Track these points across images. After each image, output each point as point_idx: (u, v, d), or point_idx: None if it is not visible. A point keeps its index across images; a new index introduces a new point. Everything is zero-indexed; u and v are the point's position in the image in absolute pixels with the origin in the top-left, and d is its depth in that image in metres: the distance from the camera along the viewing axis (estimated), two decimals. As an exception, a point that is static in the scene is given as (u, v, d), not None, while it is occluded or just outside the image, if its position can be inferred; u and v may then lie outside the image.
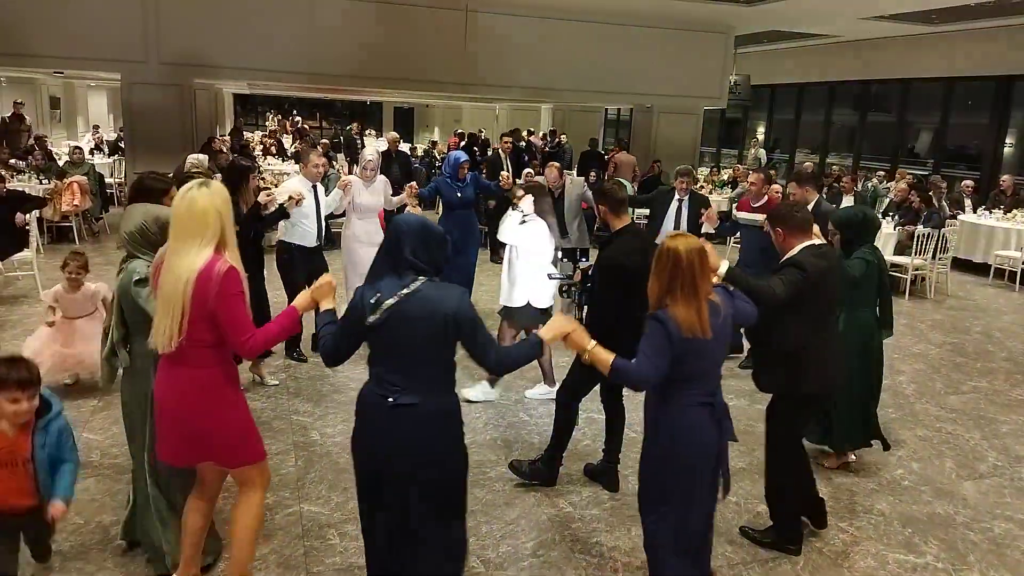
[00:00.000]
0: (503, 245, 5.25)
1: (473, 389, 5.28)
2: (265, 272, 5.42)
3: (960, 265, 10.59)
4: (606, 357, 2.75)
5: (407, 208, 6.86)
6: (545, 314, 4.91)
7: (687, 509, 2.86)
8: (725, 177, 14.11)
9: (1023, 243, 10.05)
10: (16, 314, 6.85)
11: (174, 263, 2.62)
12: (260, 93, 24.18)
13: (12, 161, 11.46)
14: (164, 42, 10.42)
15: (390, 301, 2.52)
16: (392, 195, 6.49)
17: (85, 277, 5.11)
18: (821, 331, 3.54)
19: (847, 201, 10.87)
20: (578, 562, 3.51)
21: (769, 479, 3.69)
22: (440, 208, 7.63)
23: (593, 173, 11.45)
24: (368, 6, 11.11)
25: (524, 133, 17.28)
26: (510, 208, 5.24)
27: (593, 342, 2.76)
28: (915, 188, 10.28)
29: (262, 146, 17.20)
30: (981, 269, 10.58)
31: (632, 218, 4.27)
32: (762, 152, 17.93)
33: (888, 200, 11.29)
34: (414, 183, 6.83)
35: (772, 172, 9.92)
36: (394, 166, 10.45)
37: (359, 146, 18.02)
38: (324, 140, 18.39)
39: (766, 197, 6.22)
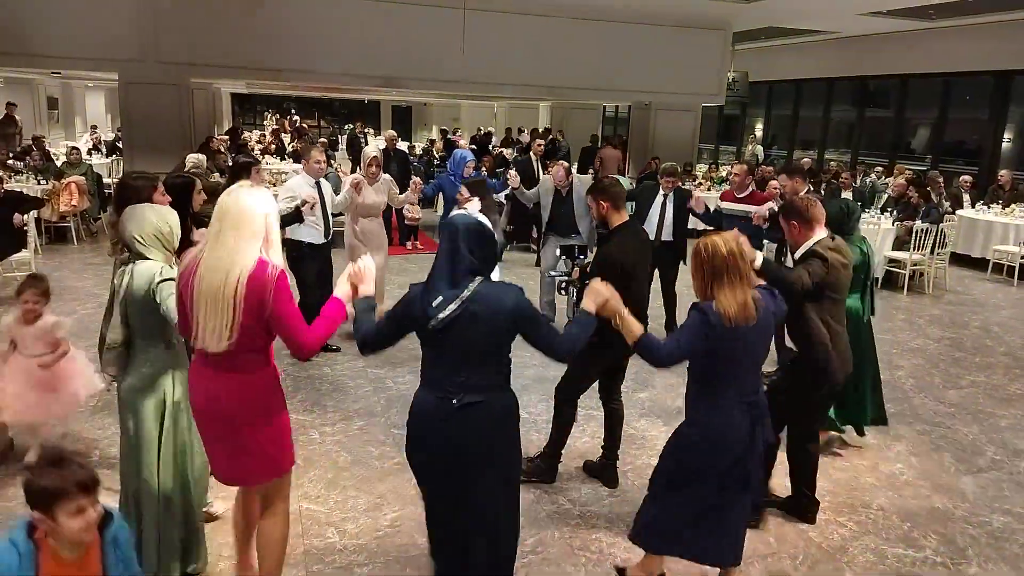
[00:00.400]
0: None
1: None
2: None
3: (958, 260, 10.59)
4: (636, 329, 2.85)
5: (406, 206, 6.85)
6: None
7: (699, 498, 2.96)
8: (723, 173, 14.10)
9: (1021, 238, 10.05)
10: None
11: (217, 258, 2.55)
12: (258, 93, 24.16)
13: (10, 162, 11.46)
14: (162, 42, 10.41)
15: (453, 305, 2.54)
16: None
17: (44, 306, 4.12)
18: (836, 320, 3.70)
19: (846, 197, 10.89)
20: (577, 559, 3.51)
21: (793, 458, 3.88)
22: (440, 207, 7.62)
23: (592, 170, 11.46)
24: (366, 4, 11.10)
25: (515, 131, 17.33)
26: (455, 208, 5.25)
27: (626, 310, 2.85)
28: (913, 183, 10.28)
29: (260, 145, 17.20)
30: (979, 264, 10.58)
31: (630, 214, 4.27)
32: (759, 149, 17.93)
33: (886, 196, 11.29)
34: (418, 179, 6.84)
35: (770, 168, 9.92)
36: (392, 164, 10.44)
37: (363, 144, 18.02)
38: (322, 139, 18.40)
39: (750, 188, 6.43)
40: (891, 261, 9.36)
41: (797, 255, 3.72)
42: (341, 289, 2.78)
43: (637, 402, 5.33)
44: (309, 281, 5.72)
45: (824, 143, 17.29)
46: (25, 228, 7.67)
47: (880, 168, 13.62)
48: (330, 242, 5.92)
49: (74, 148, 11.78)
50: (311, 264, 5.66)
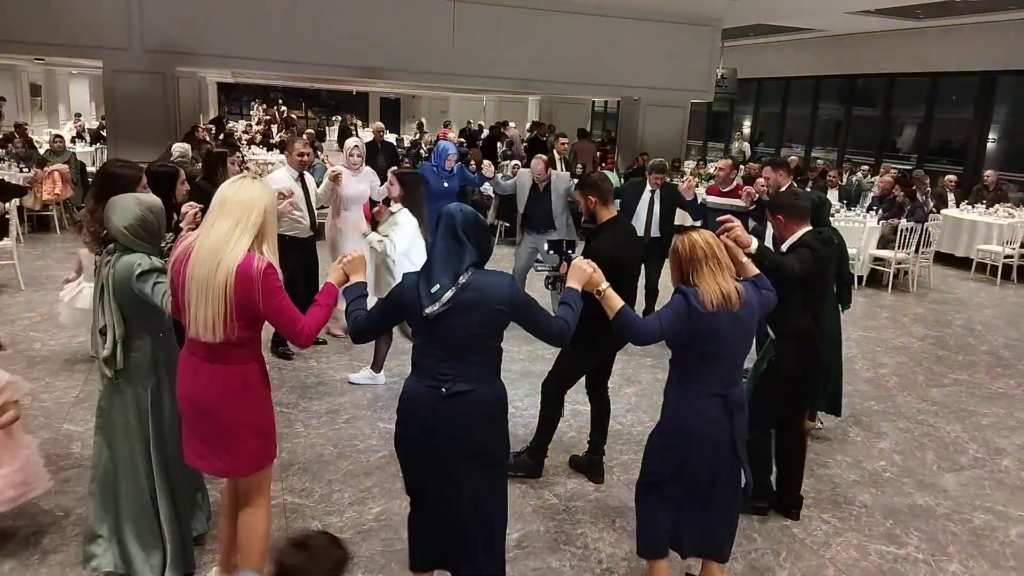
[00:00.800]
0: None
1: (358, 374, 5.33)
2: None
3: (942, 259, 10.68)
4: (616, 303, 2.87)
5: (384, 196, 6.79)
6: None
7: (678, 492, 2.96)
8: (712, 170, 14.12)
9: (1005, 237, 10.14)
10: (-5, 304, 6.77)
11: (209, 245, 2.54)
12: (244, 82, 23.94)
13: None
14: (147, 29, 10.28)
15: (449, 293, 2.54)
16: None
17: None
18: (819, 311, 3.80)
19: (832, 195, 10.95)
20: (563, 553, 3.52)
21: (778, 455, 3.92)
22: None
23: (581, 165, 11.44)
24: (354, -5, 11.02)
25: (502, 126, 17.27)
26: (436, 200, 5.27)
27: (607, 284, 2.88)
28: (899, 182, 10.35)
29: (247, 135, 17.07)
30: (963, 263, 10.68)
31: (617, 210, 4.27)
32: (746, 145, 17.99)
33: (872, 194, 11.36)
34: (395, 168, 6.81)
35: (756, 165, 9.95)
36: (379, 156, 10.40)
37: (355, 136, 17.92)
38: (309, 130, 18.28)
39: (735, 183, 6.49)
40: (876, 259, 9.43)
41: (785, 247, 3.75)
42: (333, 276, 2.79)
43: (624, 397, 5.34)
44: (294, 276, 5.66)
45: (811, 141, 17.37)
46: (7, 216, 7.57)
47: (866, 167, 13.70)
48: (314, 236, 5.85)
49: (57, 136, 11.63)
50: (296, 258, 5.61)
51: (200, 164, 9.69)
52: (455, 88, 17.15)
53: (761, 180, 6.69)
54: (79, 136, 15.44)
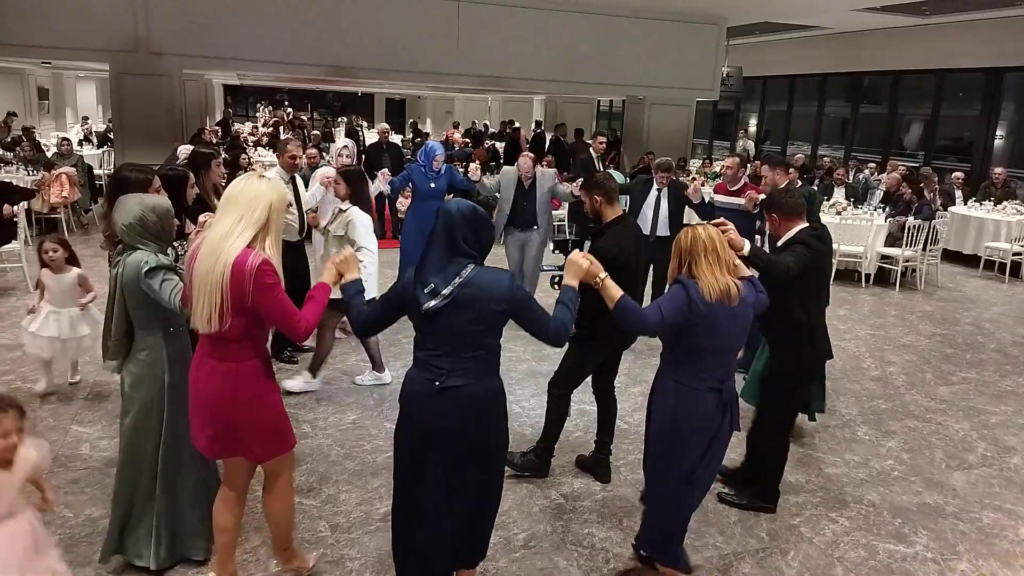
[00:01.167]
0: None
1: (294, 380, 5.20)
2: None
3: (950, 256, 10.63)
4: (616, 292, 2.89)
5: (399, 198, 6.80)
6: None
7: (683, 486, 3.02)
8: (718, 169, 14.09)
9: (1013, 235, 10.09)
10: (4, 306, 6.80)
11: (212, 240, 2.60)
12: (250, 84, 23.99)
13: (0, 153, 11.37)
14: (154, 32, 10.33)
15: (447, 290, 2.56)
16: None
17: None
18: (816, 306, 3.82)
19: (838, 193, 10.92)
20: (569, 553, 3.51)
21: (766, 447, 3.92)
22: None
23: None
24: (359, -4, 11.04)
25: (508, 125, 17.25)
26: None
27: (606, 273, 2.90)
28: (907, 179, 10.31)
29: (253, 137, 17.10)
30: (971, 261, 10.63)
31: (624, 209, 4.27)
32: (750, 144, 17.95)
33: (878, 192, 11.32)
34: (386, 170, 6.80)
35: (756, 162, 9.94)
36: (385, 157, 10.41)
37: (361, 138, 17.92)
38: (315, 132, 18.31)
39: (742, 181, 6.46)
40: (883, 257, 9.39)
41: (780, 244, 3.80)
42: (327, 275, 2.84)
43: (630, 397, 5.33)
44: (283, 278, 5.61)
45: (817, 139, 17.31)
46: (15, 219, 7.61)
47: (873, 164, 13.64)
48: (303, 240, 5.82)
49: (65, 139, 11.68)
50: (285, 260, 5.55)
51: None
52: (460, 88, 17.16)
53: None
54: (86, 139, 15.50)
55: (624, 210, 4.30)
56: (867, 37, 14.65)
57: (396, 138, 16.86)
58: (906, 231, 8.94)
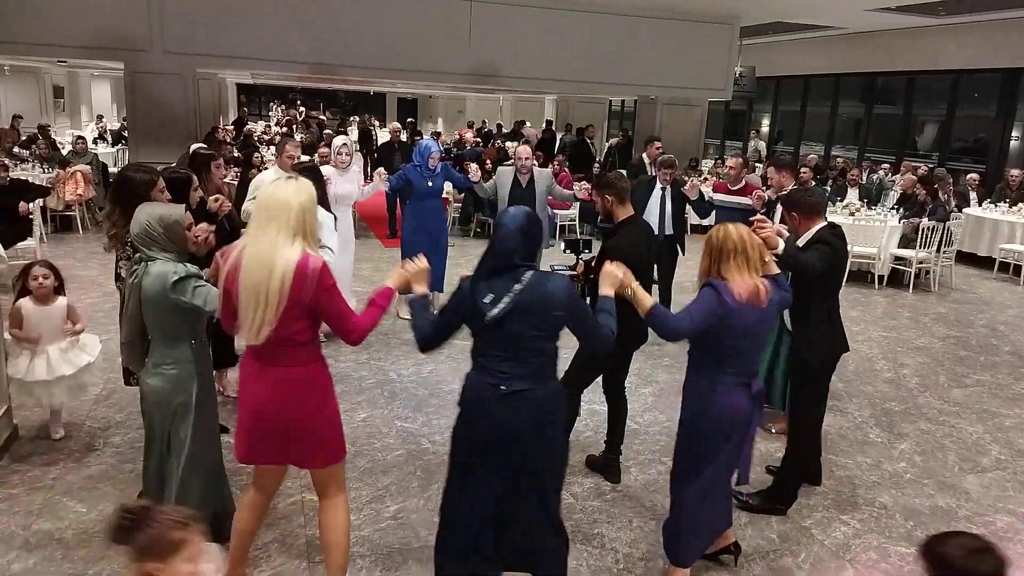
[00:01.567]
0: None
1: None
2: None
3: (964, 258, 10.55)
4: (647, 300, 2.97)
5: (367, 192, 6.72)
6: None
7: (711, 484, 3.09)
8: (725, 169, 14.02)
9: (1028, 237, 10.00)
10: (20, 303, 6.86)
11: (259, 253, 2.56)
12: (263, 83, 24.10)
13: (16, 150, 11.47)
14: (168, 32, 10.39)
15: (507, 298, 2.59)
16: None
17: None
18: (835, 302, 3.90)
19: (852, 194, 10.86)
20: (579, 552, 3.51)
21: (800, 448, 3.94)
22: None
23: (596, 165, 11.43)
24: (372, -4, 11.06)
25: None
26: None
27: (636, 283, 2.98)
28: (922, 181, 10.23)
29: (267, 136, 17.18)
30: (985, 263, 10.54)
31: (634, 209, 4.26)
32: (762, 144, 17.87)
33: (892, 193, 11.25)
34: (381, 169, 6.78)
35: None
36: (396, 156, 10.44)
37: (375, 136, 17.97)
38: (328, 131, 18.37)
39: (743, 181, 6.44)
40: (897, 259, 9.33)
41: (801, 243, 3.84)
42: (393, 280, 2.81)
43: (640, 397, 5.32)
44: None
45: (831, 139, 17.21)
46: (31, 216, 7.68)
47: (887, 165, 13.55)
48: None
49: (80, 137, 11.79)
50: None
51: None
52: (472, 88, 17.17)
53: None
54: (101, 137, 15.63)
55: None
56: (882, 37, 14.55)
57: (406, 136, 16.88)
58: (920, 232, 8.88)
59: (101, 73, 20.73)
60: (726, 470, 3.15)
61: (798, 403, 3.97)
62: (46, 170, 10.41)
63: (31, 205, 7.69)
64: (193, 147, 8.04)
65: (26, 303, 4.13)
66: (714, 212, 6.65)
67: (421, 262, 2.84)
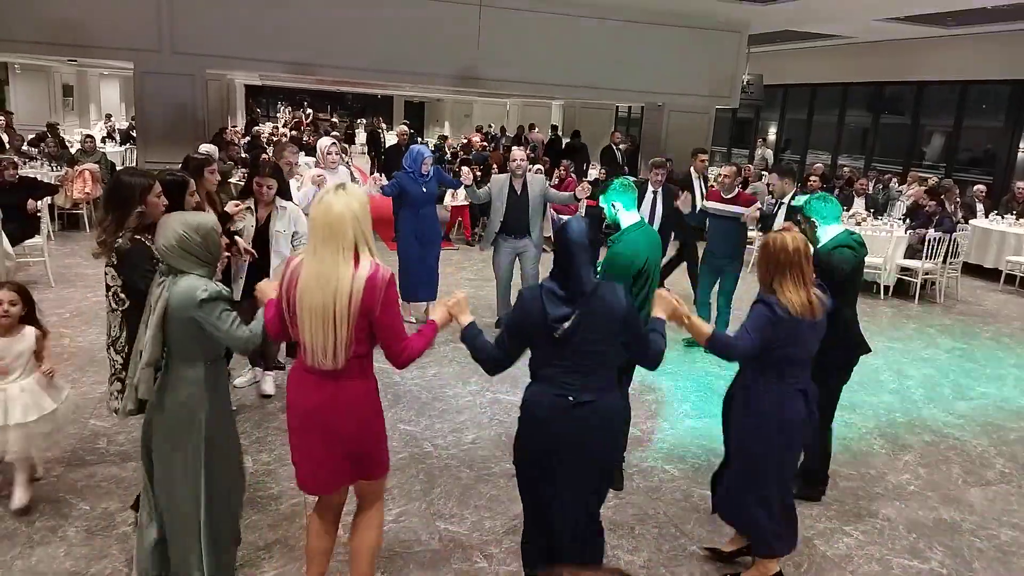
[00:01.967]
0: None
1: (244, 376, 5.24)
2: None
3: (970, 270, 10.52)
4: (706, 329, 3.06)
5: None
6: None
7: (778, 488, 3.22)
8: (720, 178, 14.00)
9: (1035, 249, 9.97)
10: (26, 300, 6.89)
11: (318, 274, 2.50)
12: (271, 85, 24.19)
13: (24, 148, 11.53)
14: (177, 32, 10.44)
15: (576, 312, 2.64)
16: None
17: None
18: (852, 306, 4.04)
19: (858, 204, 10.84)
20: (581, 560, 3.50)
21: (822, 444, 4.08)
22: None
23: (604, 170, 11.43)
24: (381, -1, 11.11)
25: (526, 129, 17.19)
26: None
27: (693, 314, 3.06)
28: (929, 192, 10.21)
29: (275, 138, 17.24)
30: (991, 274, 10.51)
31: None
32: (769, 152, 17.86)
33: (899, 204, 11.22)
34: (377, 174, 6.73)
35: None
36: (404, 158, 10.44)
37: (383, 139, 17.98)
38: (335, 133, 18.43)
39: (737, 190, 6.51)
40: (903, 270, 9.31)
41: (822, 248, 3.96)
42: (437, 314, 2.83)
43: (644, 405, 5.31)
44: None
45: (838, 148, 17.20)
46: (38, 214, 7.72)
47: (889, 175, 13.52)
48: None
49: (88, 136, 11.84)
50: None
51: (230, 164, 9.86)
52: (479, 92, 17.20)
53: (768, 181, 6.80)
54: (109, 136, 15.70)
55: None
56: (889, 47, 14.54)
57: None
58: (926, 243, 8.86)
59: (110, 72, 20.84)
60: (784, 470, 3.26)
61: (826, 400, 4.05)
62: (54, 168, 10.46)
63: (39, 203, 7.72)
64: (201, 149, 8.08)
65: None
66: (708, 220, 6.67)
67: (459, 294, 2.87)
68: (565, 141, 16.15)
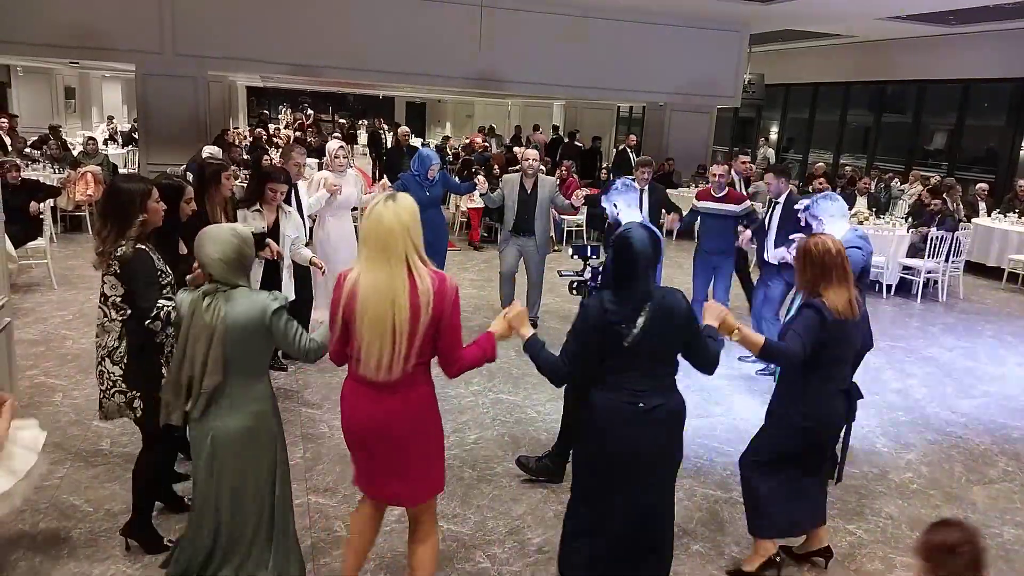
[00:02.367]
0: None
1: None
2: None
3: (973, 268, 10.50)
4: (757, 339, 3.07)
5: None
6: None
7: (788, 478, 3.28)
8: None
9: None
10: (29, 302, 6.91)
11: (378, 283, 2.47)
12: (273, 86, 24.22)
13: (27, 150, 11.56)
14: (179, 34, 10.47)
15: (642, 319, 2.66)
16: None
17: None
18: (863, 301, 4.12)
19: (860, 203, 10.83)
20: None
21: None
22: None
23: (606, 168, 11.43)
24: (383, 0, 11.12)
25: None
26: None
27: (740, 324, 3.08)
28: (931, 191, 10.20)
29: (276, 139, 17.27)
30: (994, 273, 10.49)
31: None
32: (771, 152, 17.85)
33: (901, 202, 11.21)
34: (385, 180, 6.73)
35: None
36: (405, 160, 10.45)
37: (384, 140, 17.98)
38: (336, 134, 18.44)
39: (727, 189, 6.56)
40: (905, 268, 9.30)
41: None
42: (497, 326, 2.77)
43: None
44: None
45: (840, 147, 17.19)
46: (41, 216, 7.74)
47: (891, 174, 13.51)
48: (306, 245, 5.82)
49: (91, 138, 11.87)
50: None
51: (233, 167, 9.85)
52: (481, 93, 17.22)
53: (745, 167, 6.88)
54: (112, 138, 15.73)
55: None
56: (892, 46, 14.54)
57: (416, 141, 16.93)
58: (928, 242, 8.85)
59: (112, 75, 20.88)
60: (812, 469, 3.31)
61: None
62: (57, 170, 10.49)
63: (42, 205, 7.74)
64: (205, 151, 8.09)
65: None
66: (699, 218, 6.70)
67: (516, 306, 2.81)
68: (578, 145, 16.00)
